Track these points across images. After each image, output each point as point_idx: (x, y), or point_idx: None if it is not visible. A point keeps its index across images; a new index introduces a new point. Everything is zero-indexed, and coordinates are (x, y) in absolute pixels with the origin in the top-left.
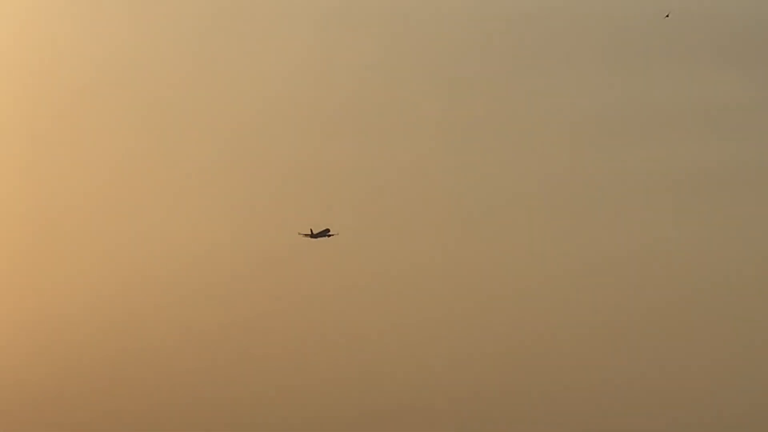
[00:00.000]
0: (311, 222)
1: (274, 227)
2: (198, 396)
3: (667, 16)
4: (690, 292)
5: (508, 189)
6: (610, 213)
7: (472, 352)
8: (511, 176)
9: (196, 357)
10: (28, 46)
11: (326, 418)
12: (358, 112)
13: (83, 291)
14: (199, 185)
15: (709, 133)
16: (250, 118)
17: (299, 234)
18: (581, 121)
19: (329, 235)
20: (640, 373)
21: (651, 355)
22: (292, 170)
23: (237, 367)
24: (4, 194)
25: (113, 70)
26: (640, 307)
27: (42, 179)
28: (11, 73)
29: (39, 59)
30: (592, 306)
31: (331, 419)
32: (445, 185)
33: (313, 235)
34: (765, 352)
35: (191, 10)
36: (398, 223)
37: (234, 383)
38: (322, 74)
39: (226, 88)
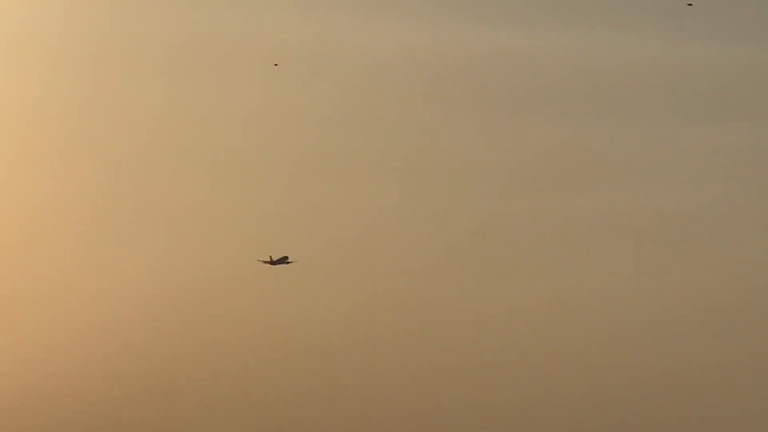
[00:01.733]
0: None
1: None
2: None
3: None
4: (612, 339)
5: (439, 233)
6: (541, 260)
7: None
8: (442, 222)
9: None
10: None
11: None
12: (293, 156)
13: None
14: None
15: (635, 180)
16: (205, 157)
17: (258, 260)
18: (510, 168)
19: (288, 262)
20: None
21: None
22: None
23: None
24: None
25: (66, 105)
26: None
27: None
28: None
29: None
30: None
31: None
32: (381, 229)
33: (272, 262)
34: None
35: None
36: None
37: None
38: (274, 116)
39: (188, 126)
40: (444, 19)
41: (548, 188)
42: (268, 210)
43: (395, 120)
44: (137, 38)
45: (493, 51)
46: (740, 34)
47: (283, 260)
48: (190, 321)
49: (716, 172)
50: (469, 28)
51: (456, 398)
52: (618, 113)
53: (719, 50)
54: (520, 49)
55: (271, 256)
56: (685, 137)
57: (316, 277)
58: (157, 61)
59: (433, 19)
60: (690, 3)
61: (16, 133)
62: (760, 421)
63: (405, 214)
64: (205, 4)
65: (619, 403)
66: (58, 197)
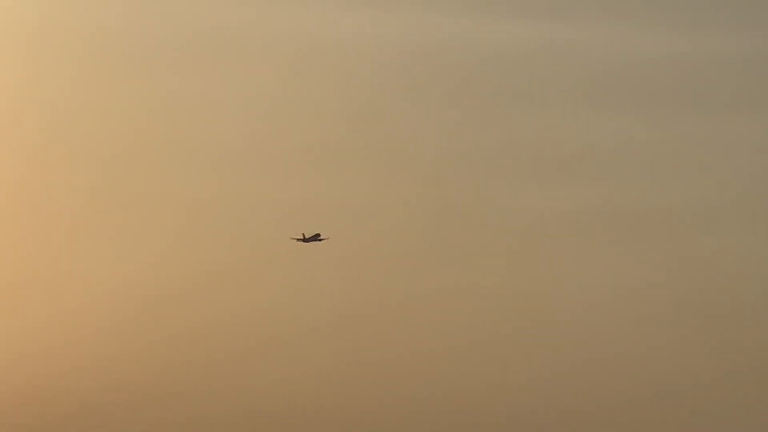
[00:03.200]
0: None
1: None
2: None
3: None
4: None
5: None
6: (536, 252)
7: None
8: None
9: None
10: None
11: None
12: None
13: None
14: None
15: (632, 174)
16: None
17: (291, 238)
18: (508, 161)
19: (320, 240)
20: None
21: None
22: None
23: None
24: None
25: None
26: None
27: None
28: None
29: None
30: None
31: None
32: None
33: (305, 240)
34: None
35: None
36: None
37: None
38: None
39: (189, 120)
40: (442, 12)
41: (544, 181)
42: (266, 204)
43: (393, 114)
44: (134, 32)
45: (490, 44)
46: (741, 27)
47: (315, 237)
48: (186, 316)
49: (713, 167)
50: (466, 20)
51: (439, 389)
52: (617, 107)
53: (719, 43)
54: (519, 42)
55: (303, 234)
56: (684, 131)
57: (314, 271)
58: (159, 56)
59: (432, 12)
60: None
61: (18, 129)
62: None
63: (398, 206)
64: None
65: (598, 397)
66: (58, 192)
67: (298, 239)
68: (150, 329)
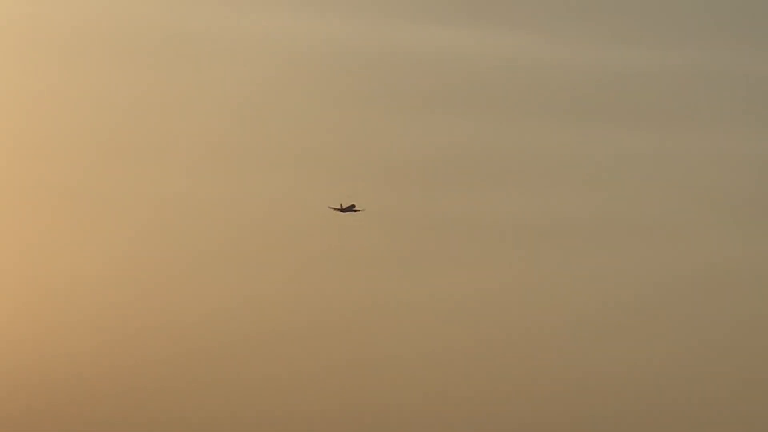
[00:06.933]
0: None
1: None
2: None
3: None
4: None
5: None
6: (442, 259)
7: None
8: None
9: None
10: None
11: None
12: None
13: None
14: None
15: (539, 183)
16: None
17: (328, 207)
18: (414, 167)
19: (355, 211)
20: None
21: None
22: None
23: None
24: None
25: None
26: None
27: None
28: None
29: None
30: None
31: None
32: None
33: (342, 210)
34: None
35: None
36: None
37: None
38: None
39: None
40: (369, 14)
41: (450, 188)
42: (248, 206)
43: (377, 118)
44: (114, 30)
45: (409, 47)
46: (655, 38)
47: (351, 208)
48: (160, 310)
49: (623, 178)
50: (387, 23)
51: (357, 398)
52: (528, 114)
53: (636, 54)
54: (433, 46)
55: (341, 204)
56: (594, 141)
57: (293, 274)
58: (141, 54)
59: (357, 13)
60: None
61: None
62: (648, 422)
63: (315, 210)
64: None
65: (515, 404)
66: (34, 187)
67: (336, 209)
68: (123, 322)
